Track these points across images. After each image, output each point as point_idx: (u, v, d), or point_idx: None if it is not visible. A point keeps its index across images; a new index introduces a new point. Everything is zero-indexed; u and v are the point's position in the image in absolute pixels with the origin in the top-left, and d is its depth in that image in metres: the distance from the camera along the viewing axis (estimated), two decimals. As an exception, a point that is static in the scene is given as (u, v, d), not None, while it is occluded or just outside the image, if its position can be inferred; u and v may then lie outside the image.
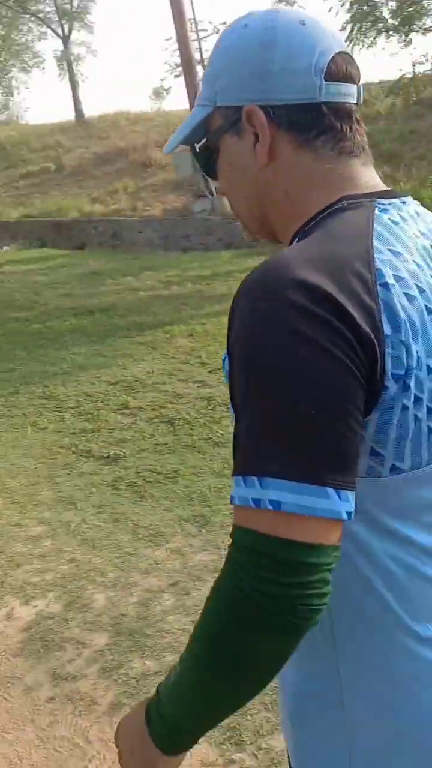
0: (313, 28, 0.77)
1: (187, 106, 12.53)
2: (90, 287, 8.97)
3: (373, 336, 0.65)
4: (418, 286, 0.71)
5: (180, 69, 12.92)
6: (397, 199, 0.79)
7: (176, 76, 19.13)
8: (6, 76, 41.31)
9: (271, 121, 0.77)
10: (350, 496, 0.64)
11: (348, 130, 0.78)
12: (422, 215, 0.81)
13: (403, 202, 0.79)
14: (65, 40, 28.00)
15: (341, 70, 0.77)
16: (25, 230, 15.02)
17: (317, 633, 0.71)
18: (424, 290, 0.72)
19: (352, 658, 0.76)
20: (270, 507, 0.62)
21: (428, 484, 0.74)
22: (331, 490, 0.62)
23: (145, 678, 2.19)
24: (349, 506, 0.64)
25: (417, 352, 0.69)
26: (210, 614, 0.67)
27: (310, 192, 0.78)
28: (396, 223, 0.75)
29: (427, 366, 0.70)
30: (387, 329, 0.67)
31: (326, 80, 0.76)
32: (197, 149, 0.86)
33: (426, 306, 0.71)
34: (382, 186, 0.81)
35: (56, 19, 28.42)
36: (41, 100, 77.44)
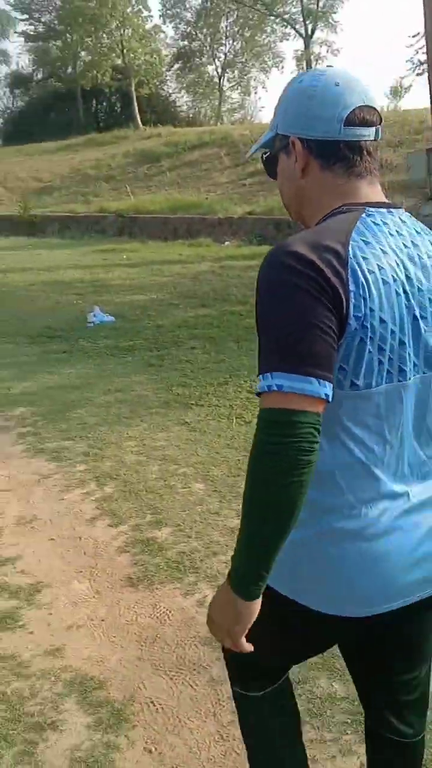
0: (345, 88, 1.13)
1: (428, 105, 11.90)
2: (304, 286, 8.97)
3: (340, 288, 1.01)
4: (378, 265, 1.06)
5: (424, 66, 12.31)
6: (385, 209, 1.14)
7: (418, 74, 18.35)
8: (245, 77, 42.96)
9: (306, 149, 1.16)
10: (327, 384, 1.00)
11: (359, 159, 1.14)
12: (407, 222, 1.16)
13: (390, 212, 1.15)
14: (307, 39, 28.27)
15: (358, 118, 1.12)
16: (246, 227, 15.50)
17: None
18: (384, 268, 1.07)
19: (312, 507, 1.09)
20: (275, 389, 0.99)
21: (375, 400, 1.09)
22: (313, 379, 0.98)
23: (331, 700, 2.09)
24: (327, 390, 0.99)
25: (371, 306, 1.04)
26: (248, 473, 1.02)
27: (325, 199, 1.16)
28: (376, 224, 1.11)
29: (380, 318, 1.06)
30: (351, 286, 1.03)
31: (345, 125, 1.12)
32: (264, 158, 1.27)
33: (383, 279, 1.06)
34: (379, 199, 1.16)
35: (301, 19, 28.78)
36: (276, 100, 78.91)
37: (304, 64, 28.95)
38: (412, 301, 1.11)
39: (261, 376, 1.01)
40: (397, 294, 1.08)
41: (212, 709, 2.10)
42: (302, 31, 28.61)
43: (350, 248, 1.05)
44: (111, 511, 3.35)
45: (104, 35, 33.75)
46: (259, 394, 1.02)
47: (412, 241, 1.14)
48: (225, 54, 41.09)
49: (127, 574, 2.82)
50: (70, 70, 40.70)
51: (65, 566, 2.91)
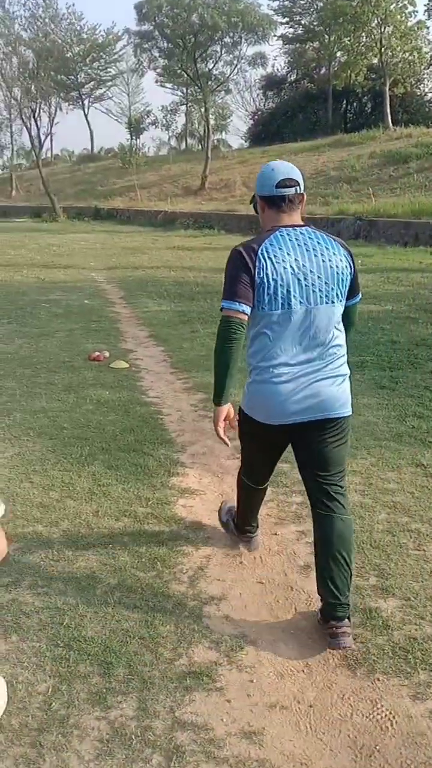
0: (277, 170, 2.36)
1: None
2: None
3: (250, 264, 2.28)
4: (275, 256, 2.29)
5: None
6: (291, 228, 2.34)
7: None
8: None
9: (261, 200, 2.41)
10: (243, 305, 2.29)
11: (283, 203, 2.35)
12: (305, 234, 2.34)
13: (294, 229, 2.34)
14: None
15: (283, 183, 2.33)
16: None
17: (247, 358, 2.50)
18: (277, 256, 2.29)
19: (249, 365, 2.47)
20: (222, 306, 2.34)
21: (275, 317, 2.32)
22: (236, 302, 2.29)
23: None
24: (243, 308, 2.29)
25: (266, 272, 2.27)
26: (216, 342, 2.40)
27: (267, 224, 2.41)
28: (282, 236, 2.32)
29: (273, 278, 2.28)
30: (257, 263, 2.28)
31: (276, 188, 2.34)
32: (254, 206, 2.50)
33: (276, 261, 2.28)
34: (292, 223, 2.36)
35: None
36: None
37: None
38: (298, 271, 2.29)
39: (221, 301, 2.34)
40: (284, 268, 2.28)
41: None
42: None
43: (261, 246, 2.29)
44: (329, 561, 2.92)
45: (363, 34, 32.99)
46: (221, 310, 2.33)
47: (305, 243, 2.32)
48: None
49: (343, 651, 2.38)
50: (324, 70, 40.70)
51: (273, 621, 2.55)
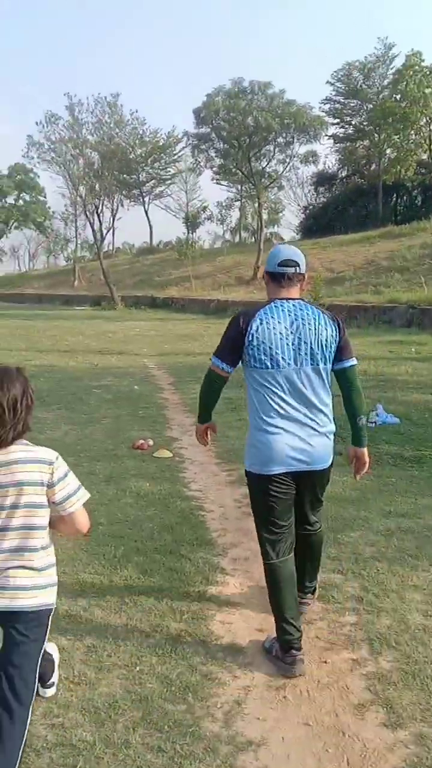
0: (281, 252, 2.87)
1: None
2: None
3: (244, 328, 2.75)
4: (267, 323, 2.73)
5: None
6: (286, 301, 2.79)
7: None
8: None
9: (266, 275, 2.89)
10: (226, 365, 2.84)
11: (283, 279, 2.81)
12: (296, 306, 2.78)
13: (288, 301, 2.79)
14: None
15: (285, 263, 2.81)
16: None
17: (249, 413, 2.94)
18: (269, 323, 2.73)
19: (250, 420, 2.86)
20: (211, 361, 2.92)
21: (265, 374, 2.73)
22: (221, 361, 2.85)
23: None
24: (224, 366, 2.85)
25: (257, 336, 2.72)
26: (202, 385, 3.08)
27: (270, 296, 2.87)
28: (276, 307, 2.77)
29: (262, 341, 2.72)
30: (249, 328, 2.74)
31: (278, 266, 2.82)
32: (264, 280, 2.97)
33: (267, 327, 2.72)
34: (287, 296, 2.81)
35: None
36: None
37: None
38: (286, 336, 2.71)
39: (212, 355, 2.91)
40: (275, 333, 2.71)
41: None
42: None
43: (257, 314, 2.74)
44: (387, 700, 2.51)
45: (412, 132, 34.12)
46: (210, 360, 2.90)
47: (295, 314, 2.74)
48: None
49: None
50: (374, 166, 41.97)
51: (321, 777, 2.15)
